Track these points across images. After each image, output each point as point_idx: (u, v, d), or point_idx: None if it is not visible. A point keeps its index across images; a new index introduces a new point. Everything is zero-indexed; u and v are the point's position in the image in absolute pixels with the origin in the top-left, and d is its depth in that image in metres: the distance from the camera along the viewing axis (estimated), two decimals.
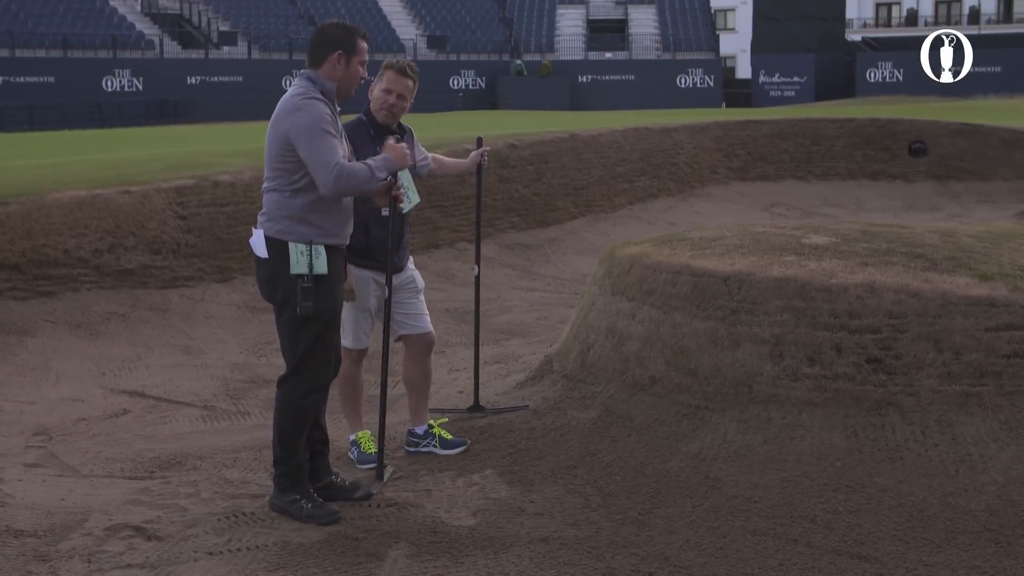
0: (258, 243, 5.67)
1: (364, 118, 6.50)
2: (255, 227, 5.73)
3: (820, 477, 5.88)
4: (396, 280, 6.53)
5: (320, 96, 5.60)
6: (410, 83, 6.44)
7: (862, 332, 6.27)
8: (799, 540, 5.32)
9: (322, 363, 5.73)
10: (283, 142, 5.55)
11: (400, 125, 6.61)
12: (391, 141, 5.89)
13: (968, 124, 21.11)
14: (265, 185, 5.71)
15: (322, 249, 5.59)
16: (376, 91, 6.45)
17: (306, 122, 5.49)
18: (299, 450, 5.79)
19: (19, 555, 5.30)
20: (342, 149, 5.56)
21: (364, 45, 5.75)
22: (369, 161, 5.64)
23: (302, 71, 5.76)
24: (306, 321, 5.60)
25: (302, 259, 5.54)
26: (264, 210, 5.68)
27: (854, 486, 5.78)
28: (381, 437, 6.24)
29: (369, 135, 6.42)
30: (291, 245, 5.56)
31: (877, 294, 6.32)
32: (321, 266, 5.57)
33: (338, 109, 5.80)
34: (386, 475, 6.23)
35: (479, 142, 7.30)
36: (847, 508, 5.60)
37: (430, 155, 6.96)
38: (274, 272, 5.62)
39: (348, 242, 5.89)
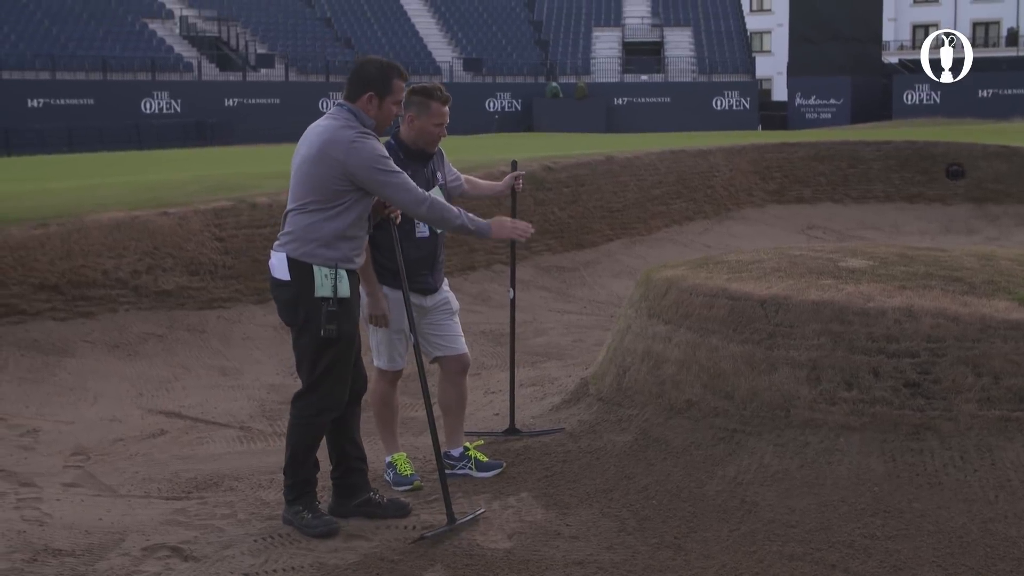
0: (279, 265, 5.74)
1: (393, 143, 6.50)
2: (273, 249, 5.79)
3: (858, 502, 5.84)
4: (430, 301, 6.56)
5: (371, 132, 5.71)
6: (448, 108, 6.48)
7: (900, 356, 6.24)
8: (836, 565, 5.29)
9: (338, 383, 5.81)
10: (336, 173, 5.60)
11: None
12: (509, 223, 6.12)
13: (1006, 146, 20.96)
14: (293, 207, 5.74)
15: (344, 273, 5.68)
16: (424, 125, 6.37)
17: (370, 157, 5.61)
18: (308, 465, 5.92)
19: (57, 574, 5.33)
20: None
21: (400, 84, 5.82)
22: (465, 217, 5.88)
23: (340, 102, 5.80)
24: (327, 343, 5.67)
25: (327, 282, 5.62)
26: (288, 231, 5.73)
27: (892, 511, 5.74)
28: (444, 485, 6.00)
29: (400, 159, 6.43)
30: (316, 268, 5.63)
31: (915, 318, 6.29)
32: (345, 289, 5.67)
33: None
34: (461, 520, 5.95)
35: (513, 165, 7.31)
36: (885, 533, 5.56)
37: (463, 176, 6.97)
38: (297, 294, 5.68)
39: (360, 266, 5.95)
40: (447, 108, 6.43)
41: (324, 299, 5.62)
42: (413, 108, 6.39)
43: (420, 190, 5.74)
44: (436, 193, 6.48)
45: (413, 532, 5.81)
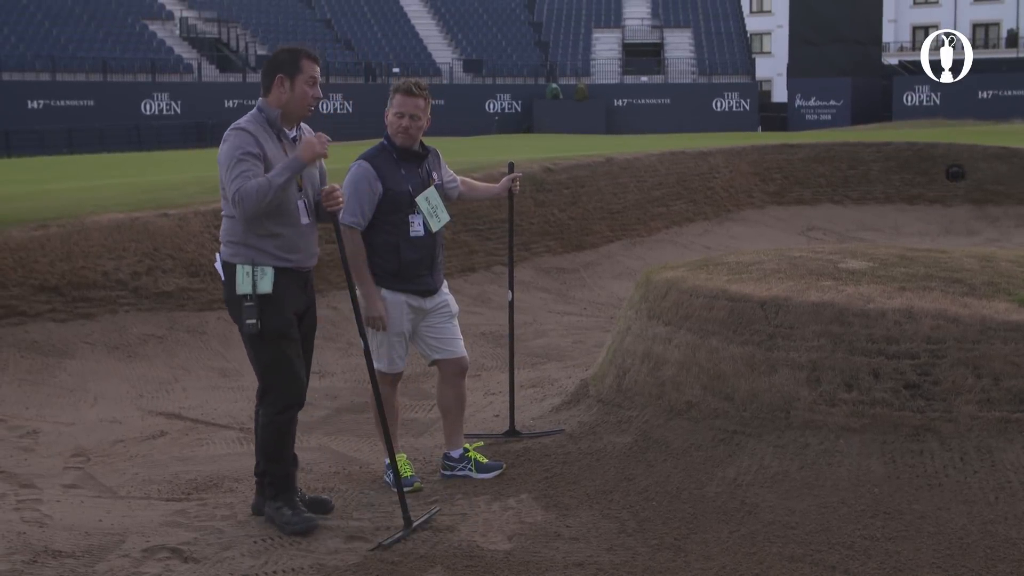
0: (219, 267, 5.94)
1: (386, 143, 6.52)
2: (218, 252, 5.96)
3: (858, 503, 5.84)
4: (429, 303, 6.55)
5: (250, 127, 5.75)
6: (420, 102, 6.44)
7: (900, 357, 6.24)
8: (836, 567, 5.29)
9: (289, 378, 5.89)
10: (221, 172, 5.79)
11: (424, 146, 6.61)
12: (313, 140, 5.80)
13: (1006, 148, 20.95)
14: (222, 212, 5.93)
15: (269, 270, 5.76)
16: (389, 116, 6.47)
17: (225, 152, 5.72)
18: (282, 460, 5.98)
19: None
20: (258, 170, 5.66)
21: (310, 64, 5.86)
22: (270, 174, 5.67)
23: (258, 99, 5.93)
24: (257, 339, 5.79)
25: (247, 279, 5.75)
26: (220, 235, 5.92)
27: (892, 513, 5.74)
28: (401, 494, 6.01)
29: (393, 159, 6.45)
30: (238, 267, 5.78)
31: (915, 319, 6.29)
32: (265, 286, 5.75)
33: (293, 133, 5.92)
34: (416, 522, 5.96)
35: (510, 167, 7.30)
36: (885, 535, 5.56)
37: (459, 179, 6.96)
38: (229, 293, 5.86)
39: (311, 264, 5.98)
40: (417, 101, 6.42)
41: (243, 296, 5.75)
42: (389, 103, 6.45)
43: (247, 187, 5.56)
44: (431, 194, 6.49)
45: (414, 534, 5.81)
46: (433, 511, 6.09)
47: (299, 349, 5.93)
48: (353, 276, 6.30)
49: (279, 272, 5.78)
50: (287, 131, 5.89)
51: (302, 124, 6.04)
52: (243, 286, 5.74)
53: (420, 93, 6.45)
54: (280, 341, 5.82)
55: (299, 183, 5.85)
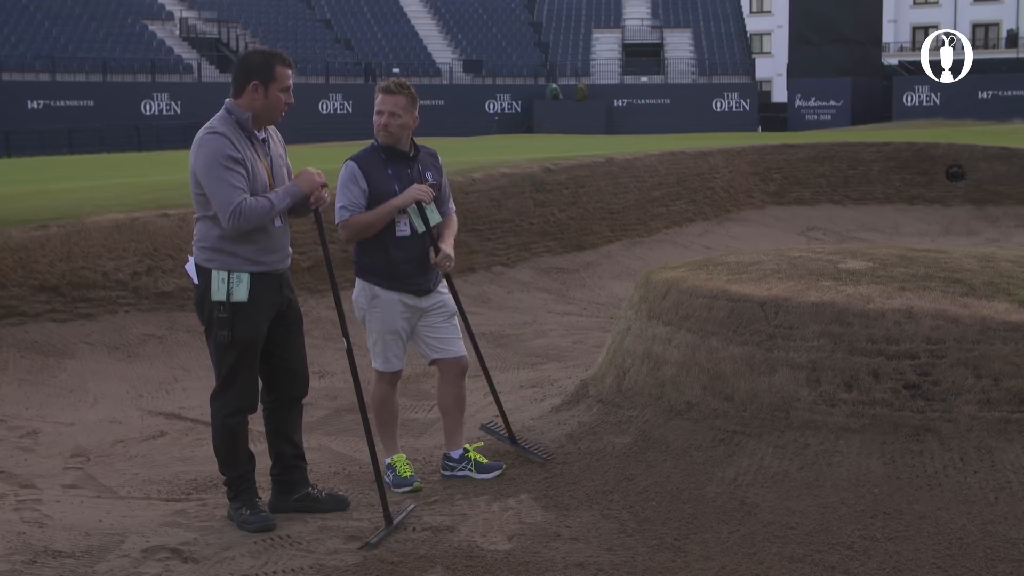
0: (191, 270, 5.91)
1: (376, 143, 6.49)
2: (190, 254, 5.94)
3: (857, 504, 5.84)
4: (426, 303, 6.53)
5: (224, 131, 5.71)
6: (401, 99, 6.37)
7: (900, 358, 6.23)
8: (836, 567, 5.28)
9: (246, 384, 5.93)
10: (193, 177, 5.75)
11: (416, 146, 6.58)
12: (312, 171, 5.91)
13: (1006, 148, 20.97)
14: (195, 215, 5.90)
15: (244, 277, 5.75)
16: (375, 119, 6.45)
17: (205, 159, 5.66)
18: (237, 463, 6.03)
19: None
20: (245, 180, 5.65)
21: (284, 71, 5.82)
22: (271, 194, 5.73)
23: (226, 100, 5.86)
24: (226, 346, 5.80)
25: (221, 287, 5.73)
26: (194, 239, 5.89)
27: (892, 513, 5.74)
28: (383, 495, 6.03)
29: (381, 159, 6.43)
30: (213, 273, 5.76)
31: (915, 319, 6.29)
32: (240, 294, 5.74)
33: (262, 135, 5.90)
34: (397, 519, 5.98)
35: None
36: (885, 535, 5.56)
37: (453, 211, 6.81)
38: (201, 297, 5.85)
39: (285, 265, 5.97)
40: (397, 98, 6.36)
41: (217, 304, 5.74)
42: None
43: (238, 198, 5.60)
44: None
45: (414, 534, 5.80)
46: (410, 507, 6.12)
47: (258, 355, 5.93)
48: (378, 220, 6.27)
49: (255, 277, 5.76)
50: (256, 133, 5.87)
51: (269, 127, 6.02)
52: (218, 293, 5.73)
53: (400, 91, 6.38)
54: (247, 350, 5.85)
55: (271, 186, 5.84)
